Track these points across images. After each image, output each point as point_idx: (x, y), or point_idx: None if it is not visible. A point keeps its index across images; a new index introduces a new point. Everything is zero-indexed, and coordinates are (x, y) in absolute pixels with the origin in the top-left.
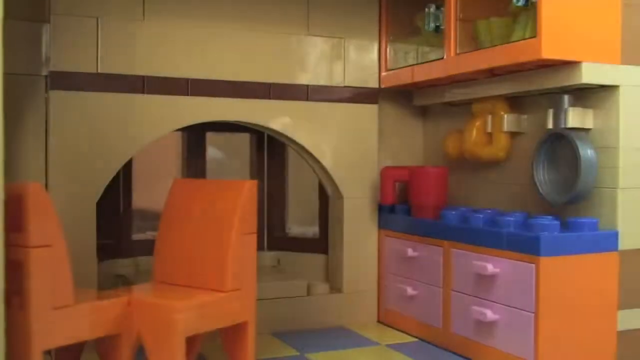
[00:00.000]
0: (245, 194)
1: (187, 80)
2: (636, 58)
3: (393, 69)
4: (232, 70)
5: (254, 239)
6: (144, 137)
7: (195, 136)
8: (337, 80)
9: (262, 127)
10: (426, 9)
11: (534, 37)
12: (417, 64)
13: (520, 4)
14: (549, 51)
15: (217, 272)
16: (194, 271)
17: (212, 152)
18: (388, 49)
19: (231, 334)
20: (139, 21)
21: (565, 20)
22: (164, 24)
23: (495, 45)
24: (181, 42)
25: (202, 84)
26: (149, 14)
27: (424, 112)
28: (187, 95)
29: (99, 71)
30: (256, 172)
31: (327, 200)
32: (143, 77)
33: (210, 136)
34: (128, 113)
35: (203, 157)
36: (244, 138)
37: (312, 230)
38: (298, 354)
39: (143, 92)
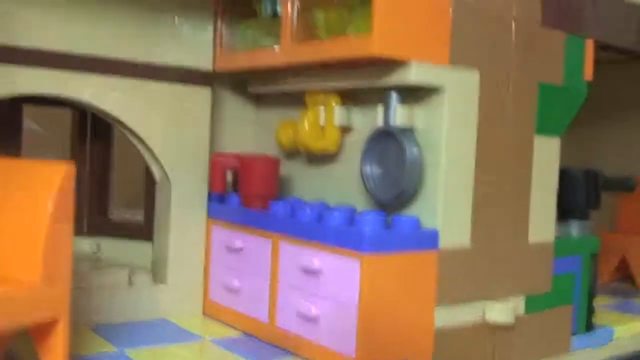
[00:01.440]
0: (61, 178)
1: None
2: (463, 59)
3: (228, 52)
4: (49, 38)
5: (69, 227)
6: None
7: (9, 108)
8: (168, 58)
9: (84, 103)
10: None
11: (367, 32)
12: (252, 49)
13: None
14: (381, 49)
15: (24, 264)
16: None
17: (30, 125)
18: (224, 30)
19: (41, 331)
20: None
21: (398, 19)
22: None
23: (331, 38)
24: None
25: (12, 52)
26: None
27: (258, 99)
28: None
29: None
30: (78, 150)
31: (154, 184)
32: None
33: (27, 109)
34: None
35: (18, 131)
36: (66, 113)
37: (137, 215)
38: (116, 350)
39: None
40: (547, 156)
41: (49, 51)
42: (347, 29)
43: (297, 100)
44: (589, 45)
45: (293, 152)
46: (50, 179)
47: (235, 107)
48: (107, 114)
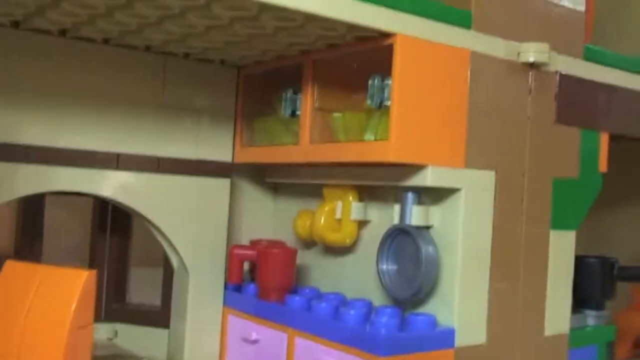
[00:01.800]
0: (82, 285)
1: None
2: (479, 161)
3: (248, 146)
4: (75, 137)
5: (90, 330)
6: None
7: (32, 198)
8: (189, 152)
9: (108, 198)
10: (283, 94)
11: (385, 139)
12: (271, 144)
13: (373, 105)
14: (398, 155)
15: None
16: None
17: (51, 213)
18: (244, 125)
19: None
20: None
21: (415, 126)
22: None
23: (350, 140)
24: (22, 105)
25: (41, 151)
26: None
27: (275, 187)
28: (25, 162)
29: None
30: (98, 237)
31: (171, 271)
32: None
33: (49, 198)
34: None
35: (40, 221)
36: (87, 201)
37: (155, 301)
38: None
39: None
40: (562, 250)
41: (72, 149)
42: (365, 133)
43: (314, 190)
44: (604, 138)
45: (310, 242)
46: (73, 285)
47: (252, 196)
48: (127, 207)
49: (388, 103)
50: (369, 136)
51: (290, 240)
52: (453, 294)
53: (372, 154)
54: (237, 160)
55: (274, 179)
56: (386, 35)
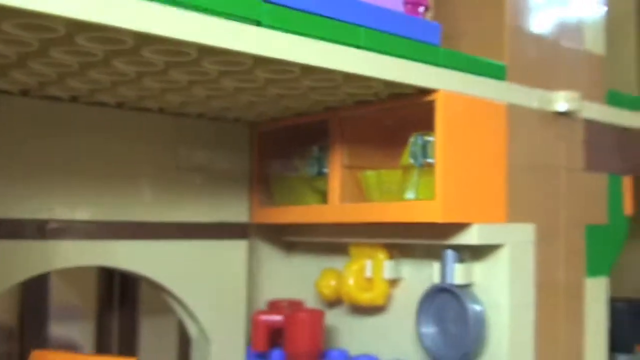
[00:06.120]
0: None
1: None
2: (520, 215)
3: (266, 206)
4: (81, 208)
5: None
6: None
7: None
8: (205, 215)
9: (122, 269)
10: (308, 152)
11: (430, 198)
12: (295, 204)
13: (417, 165)
14: (445, 216)
15: None
16: None
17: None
18: (260, 184)
19: None
20: None
21: (459, 184)
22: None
23: (387, 200)
24: (36, 177)
25: (56, 225)
26: None
27: (288, 245)
28: (40, 239)
29: None
30: (104, 310)
31: (187, 341)
32: None
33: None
34: None
35: (45, 297)
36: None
37: None
38: None
39: None
40: (597, 297)
41: (82, 221)
42: (405, 192)
43: (334, 247)
44: (627, 182)
45: (334, 302)
46: None
47: (266, 254)
48: (140, 276)
49: (429, 160)
50: (410, 195)
51: (308, 300)
52: (502, 353)
53: (417, 215)
54: (255, 221)
55: (292, 237)
56: (426, 91)
